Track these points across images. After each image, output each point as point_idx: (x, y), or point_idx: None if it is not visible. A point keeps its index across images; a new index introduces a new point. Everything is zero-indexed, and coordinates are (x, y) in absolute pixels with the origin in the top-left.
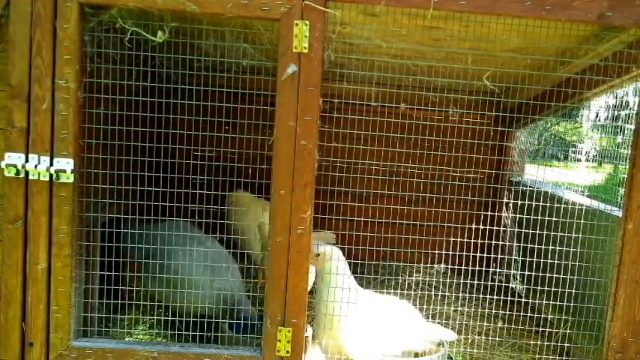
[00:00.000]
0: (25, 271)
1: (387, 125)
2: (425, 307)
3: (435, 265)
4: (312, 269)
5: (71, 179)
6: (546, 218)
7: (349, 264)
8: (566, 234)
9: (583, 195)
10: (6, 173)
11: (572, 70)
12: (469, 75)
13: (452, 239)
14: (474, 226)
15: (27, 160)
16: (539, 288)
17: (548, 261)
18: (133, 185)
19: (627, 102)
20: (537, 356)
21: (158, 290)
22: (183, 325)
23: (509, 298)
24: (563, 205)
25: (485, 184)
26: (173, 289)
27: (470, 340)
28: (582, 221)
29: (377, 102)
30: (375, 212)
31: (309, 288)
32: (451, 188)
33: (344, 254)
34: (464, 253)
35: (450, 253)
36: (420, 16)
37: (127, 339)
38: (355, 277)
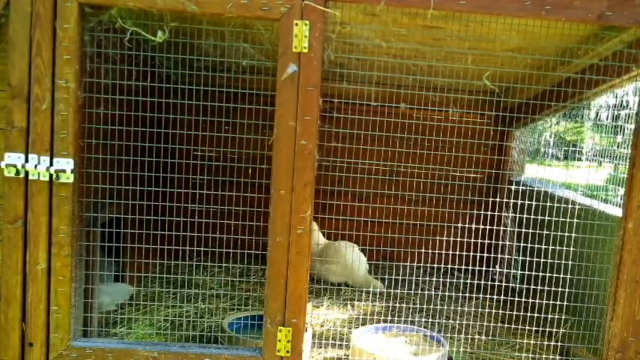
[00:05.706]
0: (25, 271)
1: (387, 125)
2: (425, 306)
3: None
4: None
5: (71, 179)
6: (546, 218)
7: None
8: (566, 233)
9: (583, 195)
10: (6, 173)
11: (572, 69)
12: (469, 75)
13: (452, 239)
14: (474, 225)
15: (27, 160)
16: (539, 288)
17: (549, 261)
18: (133, 185)
19: (627, 102)
20: (537, 356)
21: None
22: (184, 325)
23: (509, 298)
24: (563, 205)
25: (485, 183)
26: None
27: (470, 340)
28: (582, 221)
29: (377, 102)
30: (375, 212)
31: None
32: (451, 188)
33: None
34: (464, 253)
35: (450, 252)
36: (420, 16)
37: (126, 339)
38: None
